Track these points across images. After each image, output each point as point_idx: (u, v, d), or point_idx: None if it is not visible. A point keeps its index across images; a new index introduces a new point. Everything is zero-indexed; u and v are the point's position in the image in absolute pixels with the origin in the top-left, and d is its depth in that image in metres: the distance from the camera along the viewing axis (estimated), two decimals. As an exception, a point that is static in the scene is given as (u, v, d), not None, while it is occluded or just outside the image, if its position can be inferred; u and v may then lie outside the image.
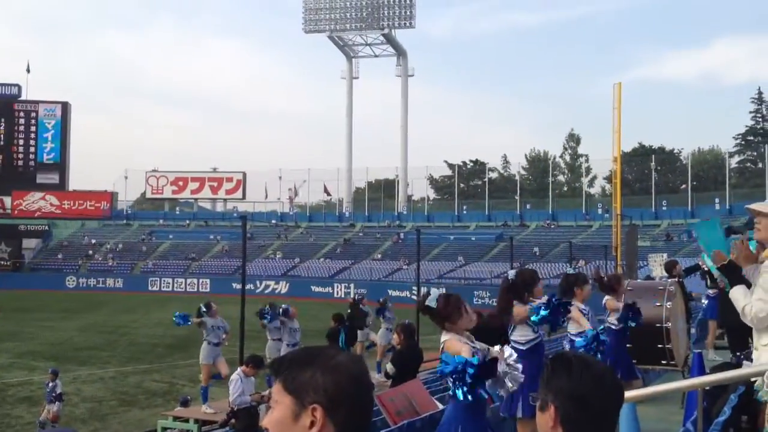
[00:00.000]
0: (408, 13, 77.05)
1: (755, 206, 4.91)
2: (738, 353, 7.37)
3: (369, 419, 1.89)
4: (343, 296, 51.75)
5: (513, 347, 7.01)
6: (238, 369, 12.02)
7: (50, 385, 14.98)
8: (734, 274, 4.95)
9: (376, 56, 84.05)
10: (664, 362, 9.93)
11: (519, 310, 7.00)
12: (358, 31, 79.75)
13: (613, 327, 8.93)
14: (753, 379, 5.05)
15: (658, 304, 9.99)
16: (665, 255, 27.87)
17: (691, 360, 8.74)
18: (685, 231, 55.93)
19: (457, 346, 5.29)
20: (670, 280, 11.50)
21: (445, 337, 5.50)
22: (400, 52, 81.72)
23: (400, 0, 77.11)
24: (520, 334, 7.06)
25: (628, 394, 5.28)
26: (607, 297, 9.18)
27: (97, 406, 17.46)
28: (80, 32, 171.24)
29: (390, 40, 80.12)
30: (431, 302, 5.42)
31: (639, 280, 15.41)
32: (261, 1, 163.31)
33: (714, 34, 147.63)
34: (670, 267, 12.67)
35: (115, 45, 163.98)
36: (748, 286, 4.91)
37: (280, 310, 16.04)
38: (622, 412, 2.35)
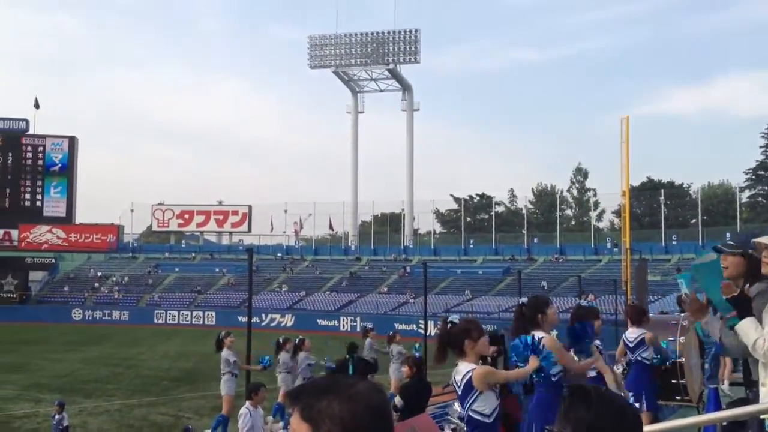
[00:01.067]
0: (413, 48, 77.54)
1: (764, 239, 4.86)
2: (754, 388, 7.27)
3: None
4: (349, 329, 51.54)
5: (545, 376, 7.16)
6: (246, 403, 11.90)
7: (57, 417, 14.89)
8: (745, 306, 4.86)
9: (381, 91, 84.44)
10: (678, 398, 9.82)
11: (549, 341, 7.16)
12: (363, 66, 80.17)
13: (646, 362, 8.85)
14: (763, 417, 4.95)
15: (671, 338, 9.90)
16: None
17: (706, 395, 8.64)
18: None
19: (492, 372, 5.34)
20: (683, 314, 11.39)
21: (466, 367, 5.47)
22: (405, 87, 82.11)
23: (404, 36, 77.67)
24: None
25: (644, 429, 5.20)
26: (644, 331, 9.03)
27: (103, 439, 17.32)
28: (88, 69, 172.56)
29: (395, 75, 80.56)
30: (453, 318, 5.74)
31: (651, 315, 15.26)
32: (267, 37, 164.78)
33: (723, 69, 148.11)
34: (681, 301, 12.54)
35: (122, 81, 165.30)
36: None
37: (297, 340, 15.99)
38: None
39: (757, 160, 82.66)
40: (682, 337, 9.96)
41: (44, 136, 77.49)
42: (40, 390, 23.98)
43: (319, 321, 55.78)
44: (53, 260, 74.91)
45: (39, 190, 76.72)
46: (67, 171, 76.95)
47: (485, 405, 5.38)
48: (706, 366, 12.60)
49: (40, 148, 76.79)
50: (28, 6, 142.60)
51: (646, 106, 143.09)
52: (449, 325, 5.72)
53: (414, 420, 8.62)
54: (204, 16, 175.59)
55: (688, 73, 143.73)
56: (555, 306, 7.27)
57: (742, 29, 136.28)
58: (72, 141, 78.01)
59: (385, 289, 63.90)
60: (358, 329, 45.35)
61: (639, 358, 8.94)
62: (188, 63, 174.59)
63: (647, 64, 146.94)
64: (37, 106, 78.33)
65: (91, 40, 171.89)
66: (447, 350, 5.67)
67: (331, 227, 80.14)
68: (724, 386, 11.82)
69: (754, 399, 6.66)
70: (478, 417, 5.41)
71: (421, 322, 21.91)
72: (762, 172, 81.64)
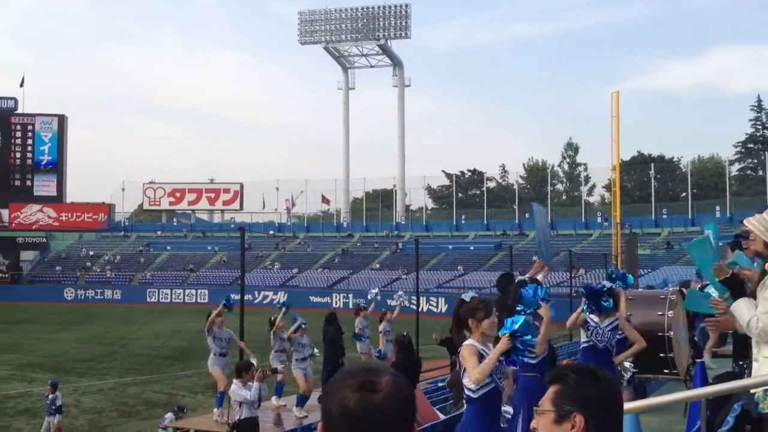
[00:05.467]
0: (403, 24, 77.20)
1: (747, 223, 4.93)
2: (741, 362, 7.35)
3: None
4: (342, 306, 51.64)
5: None
6: (234, 380, 11.88)
7: (50, 397, 14.93)
8: (737, 287, 4.95)
9: (372, 67, 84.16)
10: (666, 371, 9.91)
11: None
12: (353, 42, 79.85)
13: (618, 336, 8.86)
14: (753, 391, 5.04)
15: (659, 313, 9.97)
16: None
17: (693, 369, 8.72)
18: (684, 239, 55.95)
19: (467, 356, 5.40)
20: (671, 288, 11.49)
21: (465, 343, 5.56)
22: (396, 63, 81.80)
23: (395, 11, 77.30)
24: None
25: (631, 405, 5.27)
26: None
27: (97, 417, 17.41)
28: (77, 46, 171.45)
29: (386, 50, 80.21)
30: (466, 296, 5.86)
31: (640, 290, 15.36)
32: (257, 13, 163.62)
33: (713, 44, 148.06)
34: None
35: (112, 59, 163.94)
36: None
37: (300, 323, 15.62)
38: (625, 422, 2.41)
39: (746, 134, 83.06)
40: (670, 312, 10.04)
41: (33, 115, 76.96)
42: (33, 370, 24.05)
43: (311, 298, 55.86)
44: (44, 240, 74.73)
45: (29, 169, 76.32)
46: (57, 150, 76.48)
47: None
48: (696, 339, 12.77)
49: (30, 127, 76.29)
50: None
51: (638, 80, 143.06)
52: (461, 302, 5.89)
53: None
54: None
55: (681, 47, 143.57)
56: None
57: (736, 3, 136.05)
58: (62, 119, 77.49)
59: (377, 266, 64.05)
60: (351, 306, 45.51)
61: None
62: (180, 39, 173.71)
63: (639, 39, 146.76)
64: (22, 84, 77.79)
65: (83, 15, 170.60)
66: (461, 326, 5.77)
67: (325, 200, 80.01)
68: (706, 358, 11.96)
69: (741, 373, 6.74)
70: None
71: (413, 298, 21.95)
72: (751, 146, 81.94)
